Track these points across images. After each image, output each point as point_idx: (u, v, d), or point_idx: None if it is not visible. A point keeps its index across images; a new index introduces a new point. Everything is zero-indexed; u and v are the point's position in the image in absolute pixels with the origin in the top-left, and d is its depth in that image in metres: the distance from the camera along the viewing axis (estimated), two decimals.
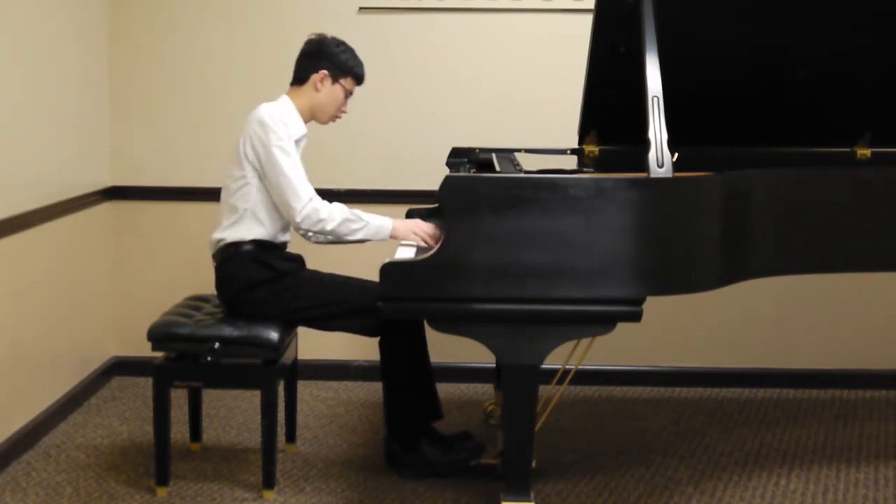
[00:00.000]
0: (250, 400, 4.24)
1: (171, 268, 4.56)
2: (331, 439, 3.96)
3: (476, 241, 3.04)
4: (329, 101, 3.58)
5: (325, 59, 3.55)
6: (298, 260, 3.59)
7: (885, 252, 3.51)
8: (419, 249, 3.40)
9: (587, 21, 3.70)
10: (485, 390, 4.50)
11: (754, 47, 3.63)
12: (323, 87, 3.56)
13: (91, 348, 4.47)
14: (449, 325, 3.12)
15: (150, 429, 3.53)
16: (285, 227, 3.56)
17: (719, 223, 3.15)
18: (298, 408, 3.94)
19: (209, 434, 3.96)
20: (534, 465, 3.34)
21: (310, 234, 3.51)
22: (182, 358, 3.42)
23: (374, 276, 3.14)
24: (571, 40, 4.28)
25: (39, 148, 3.90)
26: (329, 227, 3.42)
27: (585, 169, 3.92)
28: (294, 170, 3.43)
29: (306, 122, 3.58)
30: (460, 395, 4.45)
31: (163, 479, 3.42)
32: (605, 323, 3.10)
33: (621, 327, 3.10)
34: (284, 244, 3.59)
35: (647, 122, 3.09)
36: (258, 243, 3.49)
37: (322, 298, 3.47)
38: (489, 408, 4.18)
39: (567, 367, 3.59)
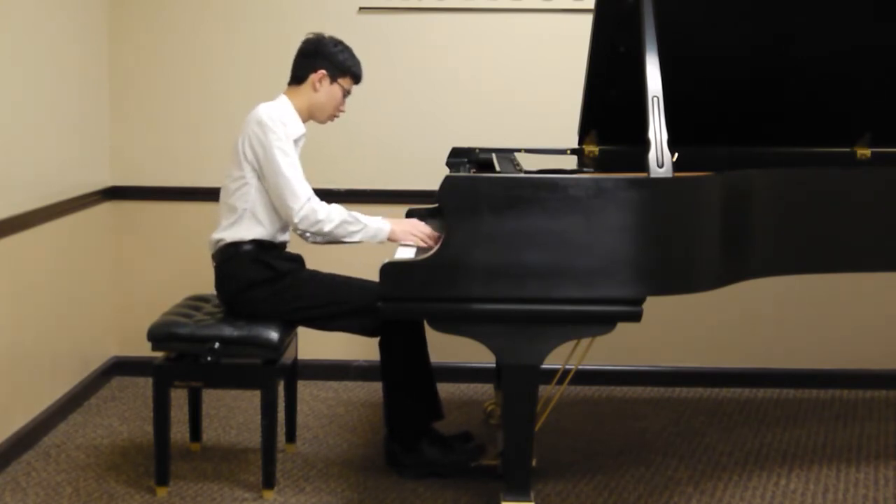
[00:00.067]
0: (250, 400, 4.24)
1: (171, 268, 4.56)
2: (331, 439, 3.96)
3: (476, 241, 3.04)
4: (327, 101, 3.58)
5: (323, 59, 3.55)
6: (298, 260, 3.59)
7: (885, 252, 3.51)
8: (419, 249, 3.40)
9: (587, 21, 3.70)
10: (485, 390, 4.50)
11: (754, 47, 3.63)
12: (321, 87, 3.56)
13: (91, 348, 4.47)
14: (449, 325, 3.12)
15: (150, 429, 3.53)
16: (284, 227, 3.56)
17: (719, 223, 3.15)
18: (298, 408, 3.94)
19: (209, 434, 3.96)
20: (534, 463, 3.34)
21: (307, 234, 3.51)
22: (182, 358, 3.42)
23: (374, 276, 3.14)
24: (571, 40, 4.28)
25: (39, 148, 3.90)
26: (327, 228, 3.42)
27: (585, 169, 3.92)
28: (292, 170, 3.43)
29: (304, 121, 3.58)
30: (460, 395, 4.45)
31: (163, 479, 3.42)
32: (605, 323, 3.10)
33: (621, 327, 3.10)
34: (284, 244, 3.59)
35: (647, 122, 3.09)
36: (257, 243, 3.49)
37: (322, 298, 3.47)
38: (489, 408, 4.18)
39: (567, 367, 3.59)
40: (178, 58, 4.53)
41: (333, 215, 3.43)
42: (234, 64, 4.52)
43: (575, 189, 3.03)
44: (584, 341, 3.35)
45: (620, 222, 3.03)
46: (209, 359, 3.35)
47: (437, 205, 3.49)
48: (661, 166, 3.05)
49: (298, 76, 3.58)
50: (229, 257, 3.49)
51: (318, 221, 3.42)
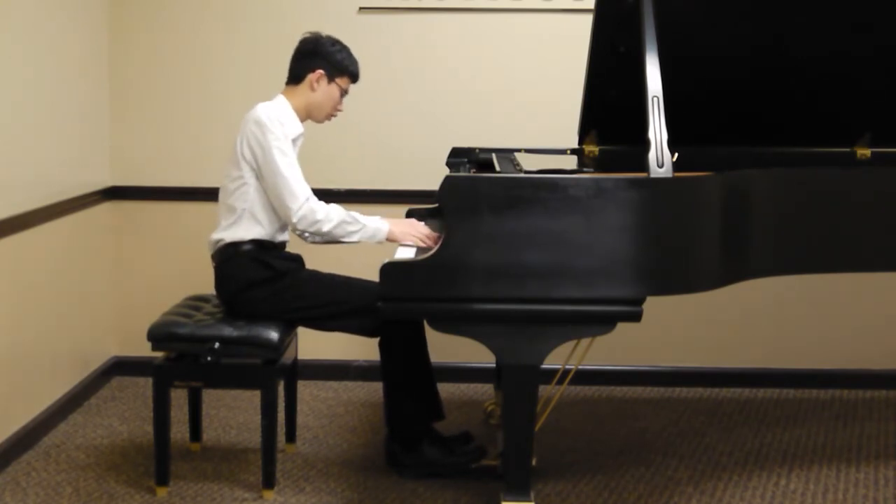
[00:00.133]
0: (250, 400, 4.24)
1: (171, 268, 4.56)
2: (331, 439, 3.96)
3: (476, 241, 3.03)
4: (325, 101, 3.58)
5: (320, 59, 3.55)
6: (298, 260, 3.59)
7: (886, 252, 3.50)
8: (419, 249, 3.40)
9: (587, 21, 3.70)
10: (485, 390, 4.50)
11: (754, 47, 3.63)
12: (319, 87, 3.56)
13: (91, 348, 4.47)
14: (449, 325, 3.12)
15: (150, 429, 3.53)
16: (284, 227, 3.56)
17: (719, 223, 3.15)
18: (298, 408, 3.94)
19: (209, 434, 3.96)
20: (534, 463, 3.34)
21: (306, 234, 3.51)
22: (182, 358, 3.42)
23: (374, 276, 3.14)
24: (571, 40, 4.28)
25: (39, 148, 3.90)
26: (325, 228, 3.42)
27: (585, 169, 3.92)
28: (291, 170, 3.43)
29: (302, 121, 3.58)
30: (460, 395, 4.45)
31: (163, 479, 3.42)
32: (605, 323, 3.10)
33: (621, 327, 3.10)
34: (283, 244, 3.59)
35: (647, 122, 3.09)
36: (257, 243, 3.49)
37: (322, 298, 3.48)
38: (489, 408, 4.18)
39: (567, 367, 3.59)
40: (178, 58, 4.53)
41: (332, 215, 3.43)
42: (234, 64, 4.52)
43: (575, 189, 3.03)
44: (584, 341, 3.35)
45: (620, 222, 3.03)
46: (209, 359, 3.35)
47: (437, 205, 3.49)
48: (661, 166, 3.05)
49: (296, 76, 3.58)
50: (229, 257, 3.49)
51: (316, 221, 3.42)
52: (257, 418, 3.57)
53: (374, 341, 3.57)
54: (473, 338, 3.13)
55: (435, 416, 3.60)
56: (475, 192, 3.05)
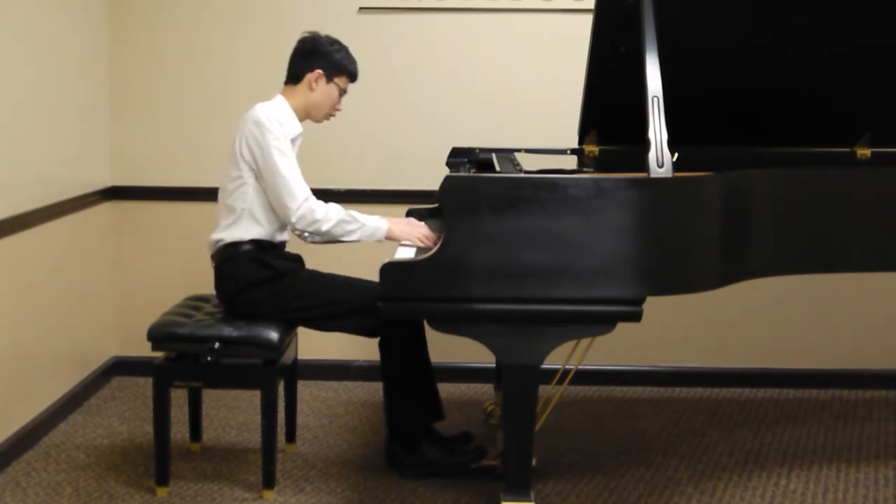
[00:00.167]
0: (250, 400, 4.24)
1: (171, 268, 4.56)
2: (331, 439, 3.96)
3: (476, 241, 3.03)
4: (324, 100, 3.58)
5: (319, 58, 3.55)
6: (297, 260, 3.59)
7: (886, 252, 3.50)
8: (419, 249, 3.40)
9: (587, 21, 3.70)
10: (485, 390, 4.50)
11: (754, 47, 3.63)
12: (317, 87, 3.56)
13: (91, 348, 4.47)
14: (449, 325, 3.12)
15: (150, 429, 3.53)
16: (283, 227, 3.56)
17: (719, 223, 3.15)
18: (298, 408, 3.94)
19: (209, 434, 3.96)
20: (534, 463, 3.34)
21: (305, 234, 3.51)
22: (182, 358, 3.42)
23: (374, 276, 3.14)
24: (571, 40, 4.28)
25: (39, 148, 3.90)
26: (324, 227, 3.42)
27: (585, 169, 3.92)
28: (290, 170, 3.43)
29: (301, 120, 3.58)
30: (460, 395, 4.45)
31: (163, 479, 3.42)
32: (605, 323, 3.10)
33: (621, 327, 3.10)
34: (283, 244, 3.59)
35: (647, 122, 3.09)
36: (256, 243, 3.49)
37: (322, 298, 3.48)
38: (489, 408, 4.18)
39: (567, 367, 3.59)
40: (178, 58, 4.53)
41: (331, 214, 3.43)
42: (234, 64, 4.52)
43: (575, 189, 3.03)
44: (584, 341, 3.35)
45: (620, 222, 3.03)
46: (209, 359, 3.35)
47: (437, 205, 3.49)
48: (661, 166, 3.05)
49: (295, 75, 3.58)
50: (228, 257, 3.49)
51: (315, 221, 3.42)
52: (257, 418, 3.57)
53: (374, 341, 3.57)
54: (473, 338, 3.13)
55: (435, 416, 3.60)
56: (475, 192, 3.05)
